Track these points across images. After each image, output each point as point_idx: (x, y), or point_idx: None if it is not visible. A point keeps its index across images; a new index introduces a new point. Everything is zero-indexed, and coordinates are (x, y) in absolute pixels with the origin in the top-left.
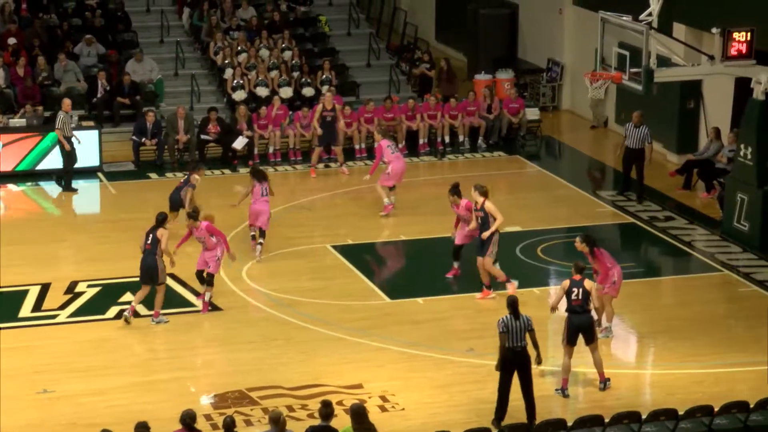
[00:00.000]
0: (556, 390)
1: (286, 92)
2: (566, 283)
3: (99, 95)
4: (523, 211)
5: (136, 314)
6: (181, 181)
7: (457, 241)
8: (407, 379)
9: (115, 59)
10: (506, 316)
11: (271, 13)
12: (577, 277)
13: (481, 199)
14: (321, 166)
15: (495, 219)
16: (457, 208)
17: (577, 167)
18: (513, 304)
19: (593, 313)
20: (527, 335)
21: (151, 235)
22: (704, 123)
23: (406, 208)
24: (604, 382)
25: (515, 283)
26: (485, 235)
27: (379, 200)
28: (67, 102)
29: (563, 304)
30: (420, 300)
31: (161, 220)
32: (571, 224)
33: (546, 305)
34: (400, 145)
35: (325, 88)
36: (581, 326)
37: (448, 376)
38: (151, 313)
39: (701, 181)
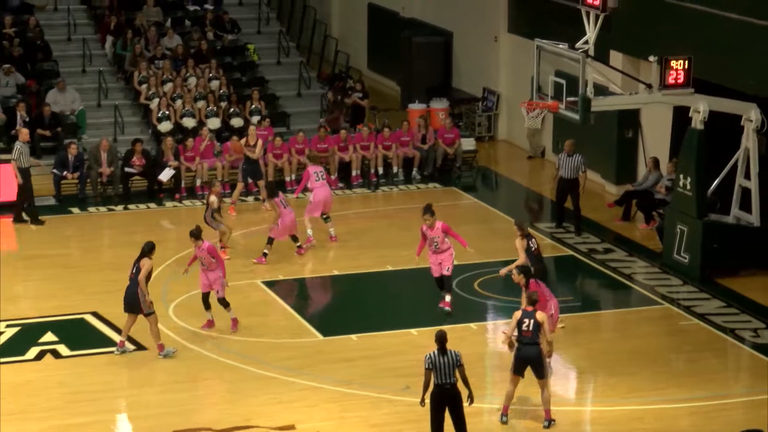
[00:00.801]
0: (502, 417)
1: (214, 123)
2: (518, 313)
3: (18, 127)
4: (458, 246)
5: (123, 350)
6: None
7: (436, 274)
8: (341, 420)
9: (35, 89)
10: (433, 352)
11: (198, 41)
12: (529, 308)
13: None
14: (251, 199)
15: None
16: (432, 231)
17: (514, 199)
18: (441, 339)
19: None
20: (456, 372)
21: (136, 265)
22: (643, 153)
23: (339, 242)
24: (549, 421)
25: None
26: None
27: (304, 233)
28: (24, 132)
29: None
30: (354, 337)
31: (147, 251)
32: (509, 257)
33: (484, 341)
34: (333, 176)
35: (255, 119)
36: (529, 359)
37: (383, 416)
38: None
39: (640, 212)
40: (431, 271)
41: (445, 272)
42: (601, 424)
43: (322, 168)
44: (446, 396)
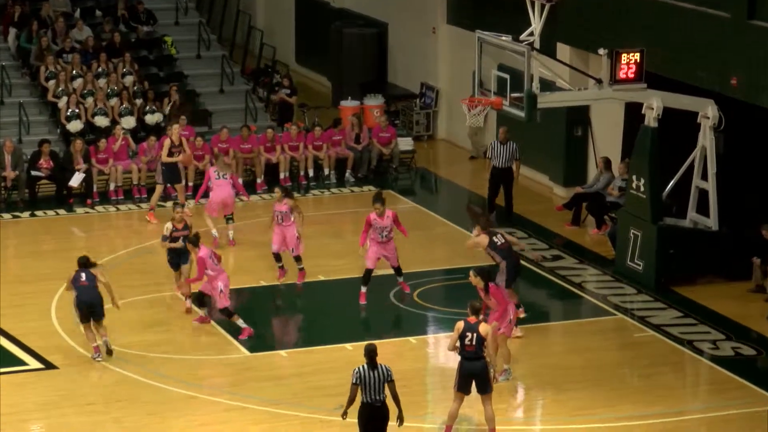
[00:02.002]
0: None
1: (129, 122)
2: (460, 325)
3: None
4: (398, 252)
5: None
6: None
7: (372, 266)
8: None
9: None
10: (362, 366)
11: (110, 33)
12: (472, 319)
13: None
14: (169, 204)
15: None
16: (382, 220)
17: (456, 202)
18: (371, 352)
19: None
20: (386, 388)
21: (83, 274)
22: (593, 152)
23: (264, 251)
24: None
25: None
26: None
27: (257, 244)
28: None
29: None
30: (283, 353)
31: (84, 263)
32: (451, 265)
33: (424, 356)
34: (258, 180)
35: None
36: (474, 373)
37: None
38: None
39: (591, 216)
40: (367, 262)
41: (395, 264)
42: None
43: (220, 167)
44: (375, 415)
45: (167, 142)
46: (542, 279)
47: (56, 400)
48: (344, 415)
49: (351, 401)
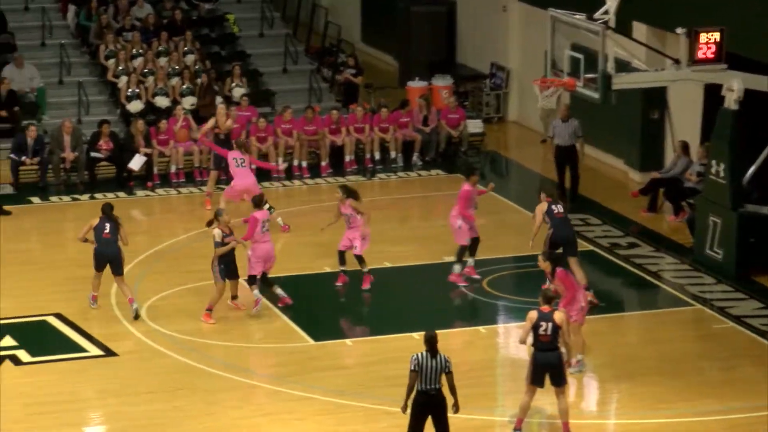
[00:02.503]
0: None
1: (190, 102)
2: (533, 314)
3: None
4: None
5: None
6: None
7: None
8: None
9: None
10: (420, 354)
11: (171, 11)
12: (546, 308)
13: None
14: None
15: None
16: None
17: (527, 187)
18: (431, 340)
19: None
20: (443, 377)
21: (108, 225)
22: (670, 136)
23: (331, 236)
24: None
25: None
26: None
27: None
28: None
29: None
30: (348, 341)
31: (109, 212)
32: (522, 252)
33: (494, 346)
34: (323, 163)
35: (239, 92)
36: (549, 365)
37: (382, 430)
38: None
39: (668, 203)
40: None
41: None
42: None
43: (240, 154)
44: (431, 402)
45: (210, 123)
46: (617, 267)
47: (116, 387)
48: (404, 408)
49: (410, 389)
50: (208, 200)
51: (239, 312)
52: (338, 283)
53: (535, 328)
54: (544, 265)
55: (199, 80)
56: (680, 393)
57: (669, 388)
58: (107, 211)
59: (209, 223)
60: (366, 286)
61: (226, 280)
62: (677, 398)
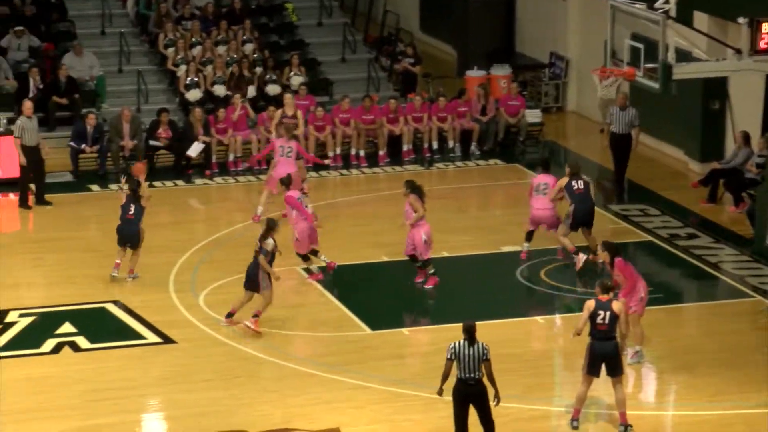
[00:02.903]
0: (572, 422)
1: (248, 91)
2: (591, 304)
3: (31, 95)
4: (523, 228)
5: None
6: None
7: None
8: (391, 423)
9: (51, 54)
10: (458, 342)
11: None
12: (604, 297)
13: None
14: None
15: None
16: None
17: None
18: (470, 329)
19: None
20: (482, 367)
21: (133, 207)
22: (731, 126)
23: (389, 224)
24: (626, 426)
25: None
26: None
27: (378, 217)
28: (27, 105)
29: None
30: (405, 330)
31: (135, 191)
32: (580, 243)
33: (552, 336)
34: (381, 152)
35: (297, 81)
36: (606, 355)
37: (438, 420)
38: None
39: (728, 194)
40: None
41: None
42: (683, 430)
43: (294, 145)
44: (470, 392)
45: (278, 113)
46: (676, 258)
47: (174, 375)
48: (440, 392)
49: (445, 376)
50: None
51: (296, 301)
52: (427, 285)
53: (593, 317)
54: (603, 255)
55: (258, 69)
56: (739, 385)
57: (727, 379)
58: (134, 189)
59: (263, 237)
60: (431, 284)
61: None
62: (735, 390)
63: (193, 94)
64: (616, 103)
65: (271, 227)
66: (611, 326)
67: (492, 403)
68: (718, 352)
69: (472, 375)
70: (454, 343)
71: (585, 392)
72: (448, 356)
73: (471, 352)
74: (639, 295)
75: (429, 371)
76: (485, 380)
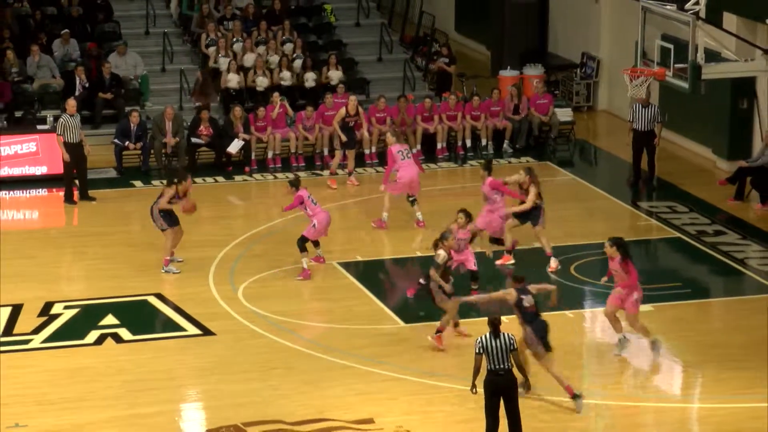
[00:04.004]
0: (574, 397)
1: (286, 77)
2: (512, 293)
3: (77, 93)
4: (555, 225)
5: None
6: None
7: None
8: (424, 414)
9: (95, 53)
10: (484, 336)
11: (270, 0)
12: (519, 285)
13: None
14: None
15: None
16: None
17: (616, 175)
18: (494, 322)
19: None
20: (511, 356)
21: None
22: (758, 125)
23: (424, 221)
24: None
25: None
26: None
27: (382, 209)
28: (71, 103)
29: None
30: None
31: (171, 181)
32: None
33: (581, 330)
34: (414, 150)
35: (336, 76)
36: (545, 329)
37: (470, 411)
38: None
39: (755, 191)
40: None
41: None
42: (709, 423)
43: (407, 146)
44: (500, 382)
45: (341, 112)
46: (704, 255)
47: (213, 366)
48: (473, 389)
49: (477, 371)
50: (333, 180)
51: (332, 295)
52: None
53: (519, 304)
54: (611, 251)
55: (296, 64)
56: (765, 380)
57: (754, 374)
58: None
59: (435, 245)
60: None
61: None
62: (762, 385)
63: (234, 80)
64: (638, 99)
65: (442, 238)
66: (537, 306)
67: (522, 390)
68: (745, 347)
69: (501, 366)
70: (481, 338)
71: (557, 369)
72: (477, 351)
73: (497, 343)
74: (634, 297)
75: (461, 363)
76: (515, 371)
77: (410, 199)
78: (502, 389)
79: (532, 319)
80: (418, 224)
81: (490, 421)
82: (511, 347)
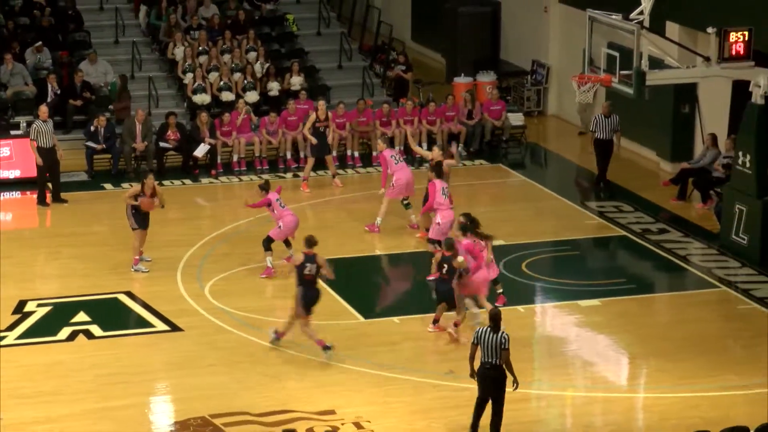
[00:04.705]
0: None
1: (252, 96)
2: (299, 256)
3: (49, 99)
4: (507, 224)
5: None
6: None
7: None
8: (383, 405)
9: (66, 61)
10: (482, 328)
11: (235, 11)
12: (309, 252)
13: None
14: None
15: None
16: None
17: (564, 176)
18: (495, 317)
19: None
20: (502, 354)
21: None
22: (700, 129)
23: (383, 220)
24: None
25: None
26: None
27: (374, 215)
28: (43, 109)
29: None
30: (396, 319)
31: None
32: (558, 237)
33: (532, 324)
34: (374, 153)
35: (297, 81)
36: (315, 298)
37: (427, 401)
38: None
39: (697, 191)
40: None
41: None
42: (653, 412)
43: (397, 150)
44: (488, 375)
45: (312, 117)
46: (649, 252)
47: (181, 361)
48: (472, 373)
49: (471, 358)
50: (305, 184)
51: (294, 292)
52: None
53: (301, 268)
54: (463, 220)
55: (259, 72)
56: (706, 369)
57: (696, 364)
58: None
59: (454, 257)
60: (501, 302)
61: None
62: (703, 374)
63: (201, 98)
64: (601, 110)
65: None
66: (315, 276)
67: (510, 389)
68: (687, 339)
69: (490, 360)
70: (479, 329)
71: (310, 326)
72: (473, 341)
73: (493, 339)
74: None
75: (418, 356)
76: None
77: (404, 202)
78: (488, 381)
79: (307, 285)
80: (412, 226)
81: (476, 411)
82: (503, 346)
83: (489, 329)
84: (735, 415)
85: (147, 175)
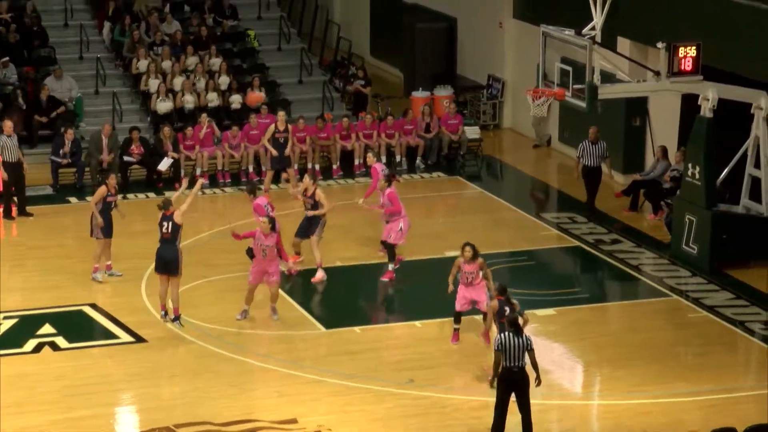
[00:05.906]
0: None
1: (213, 98)
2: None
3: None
4: (463, 235)
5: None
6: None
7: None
8: (344, 413)
9: (32, 76)
10: (504, 334)
11: (197, 27)
12: (168, 212)
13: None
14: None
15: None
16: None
17: (520, 188)
18: (514, 322)
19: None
20: (527, 355)
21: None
22: (651, 141)
23: (342, 232)
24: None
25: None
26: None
27: (336, 225)
28: (8, 124)
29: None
30: (357, 329)
31: (166, 207)
32: (514, 248)
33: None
34: (334, 166)
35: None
36: (168, 257)
37: (387, 410)
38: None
39: (648, 202)
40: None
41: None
42: (607, 418)
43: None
44: (514, 378)
45: (271, 128)
46: (601, 261)
47: (144, 371)
48: (491, 383)
49: (496, 366)
50: (266, 196)
51: (256, 302)
52: (452, 342)
53: (160, 226)
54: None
55: (223, 83)
56: (658, 376)
57: (647, 371)
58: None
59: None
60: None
61: None
62: (655, 381)
63: (163, 106)
64: (589, 137)
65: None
66: (173, 235)
67: (533, 384)
68: (639, 347)
69: (516, 363)
70: (500, 336)
71: (165, 290)
72: (496, 348)
73: (518, 342)
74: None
75: (378, 366)
76: (528, 368)
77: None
78: (516, 385)
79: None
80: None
81: (497, 415)
82: (528, 347)
83: (511, 334)
84: (685, 421)
85: (108, 175)
